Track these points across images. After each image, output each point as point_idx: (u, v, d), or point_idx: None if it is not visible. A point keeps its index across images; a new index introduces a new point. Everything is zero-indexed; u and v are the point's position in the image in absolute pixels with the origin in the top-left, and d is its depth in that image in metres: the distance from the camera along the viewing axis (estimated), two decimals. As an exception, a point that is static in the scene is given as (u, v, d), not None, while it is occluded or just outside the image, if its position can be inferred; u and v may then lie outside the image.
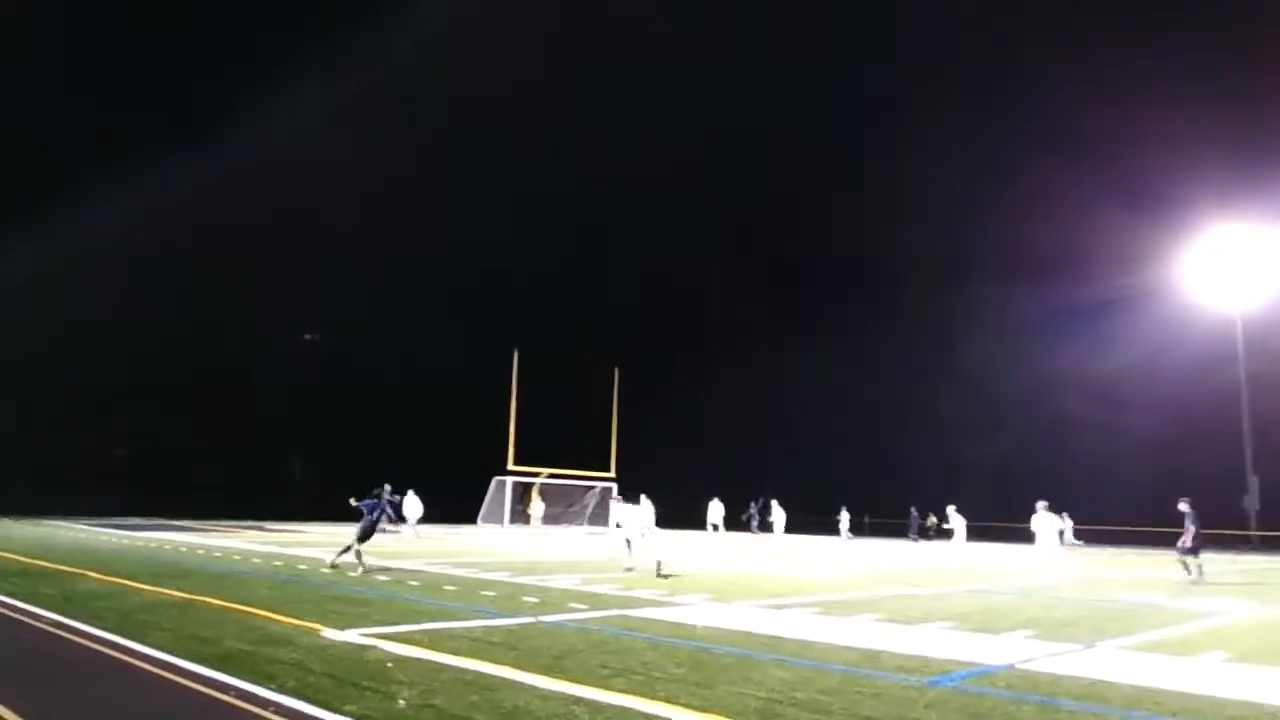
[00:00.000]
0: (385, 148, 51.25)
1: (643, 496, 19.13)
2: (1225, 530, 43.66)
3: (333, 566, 16.86)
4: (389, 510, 18.17)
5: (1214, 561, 31.20)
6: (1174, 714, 6.67)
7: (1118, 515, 42.88)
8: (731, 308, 58.20)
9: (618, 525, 21.15)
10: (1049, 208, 49.26)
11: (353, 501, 17.40)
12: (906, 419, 51.87)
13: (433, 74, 49.08)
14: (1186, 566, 20.41)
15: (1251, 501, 44.74)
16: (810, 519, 42.78)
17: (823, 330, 54.87)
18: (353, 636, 9.03)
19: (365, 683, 6.93)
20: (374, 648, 8.45)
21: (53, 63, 44.81)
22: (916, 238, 52.19)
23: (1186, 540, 20.52)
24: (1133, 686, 7.63)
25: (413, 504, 31.24)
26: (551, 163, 52.98)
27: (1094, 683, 7.72)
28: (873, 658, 8.70)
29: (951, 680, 7.70)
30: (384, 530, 19.99)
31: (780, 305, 57.72)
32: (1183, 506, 20.85)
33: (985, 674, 8.09)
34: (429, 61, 47.76)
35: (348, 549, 16.85)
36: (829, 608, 12.82)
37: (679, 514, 35.27)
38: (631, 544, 18.53)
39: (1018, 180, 48.66)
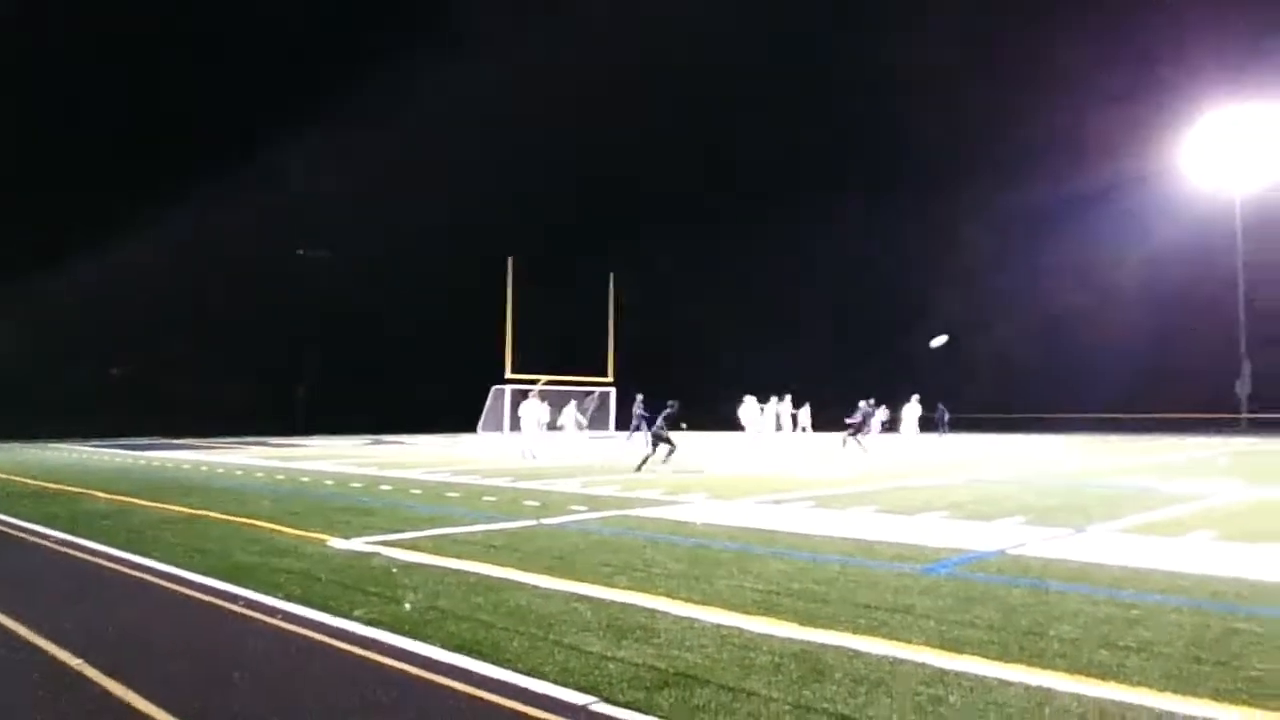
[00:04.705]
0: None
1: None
2: (1218, 415, 44.29)
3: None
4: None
5: (1207, 446, 31.75)
6: (1161, 591, 6.83)
7: (1116, 404, 43.37)
8: (718, 209, 57.39)
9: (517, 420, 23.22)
10: (1048, 93, 48.18)
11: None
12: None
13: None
14: (844, 442, 26.43)
15: (1243, 387, 45.28)
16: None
17: (813, 228, 54.33)
18: (358, 545, 9.19)
19: (371, 588, 7.07)
20: (379, 555, 8.61)
21: None
22: (910, 126, 51.09)
23: (852, 422, 26.79)
24: (1121, 567, 7.80)
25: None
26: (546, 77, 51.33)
27: (1084, 565, 7.90)
28: (868, 548, 8.88)
29: (945, 567, 7.87)
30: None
31: (762, 203, 56.86)
32: (861, 403, 27.17)
33: (977, 560, 8.27)
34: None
35: (645, 459, 19.50)
36: (825, 501, 13.04)
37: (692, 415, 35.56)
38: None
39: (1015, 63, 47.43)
